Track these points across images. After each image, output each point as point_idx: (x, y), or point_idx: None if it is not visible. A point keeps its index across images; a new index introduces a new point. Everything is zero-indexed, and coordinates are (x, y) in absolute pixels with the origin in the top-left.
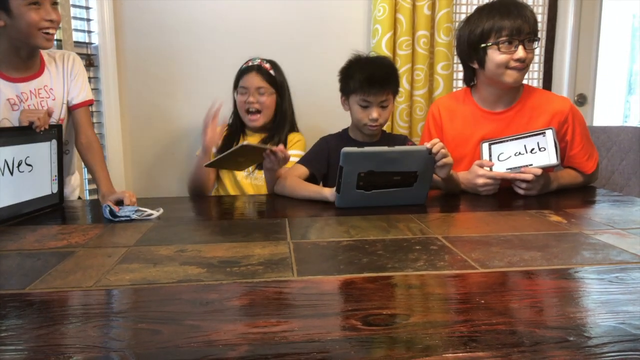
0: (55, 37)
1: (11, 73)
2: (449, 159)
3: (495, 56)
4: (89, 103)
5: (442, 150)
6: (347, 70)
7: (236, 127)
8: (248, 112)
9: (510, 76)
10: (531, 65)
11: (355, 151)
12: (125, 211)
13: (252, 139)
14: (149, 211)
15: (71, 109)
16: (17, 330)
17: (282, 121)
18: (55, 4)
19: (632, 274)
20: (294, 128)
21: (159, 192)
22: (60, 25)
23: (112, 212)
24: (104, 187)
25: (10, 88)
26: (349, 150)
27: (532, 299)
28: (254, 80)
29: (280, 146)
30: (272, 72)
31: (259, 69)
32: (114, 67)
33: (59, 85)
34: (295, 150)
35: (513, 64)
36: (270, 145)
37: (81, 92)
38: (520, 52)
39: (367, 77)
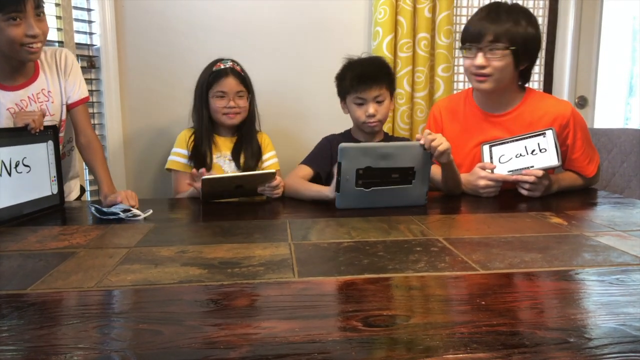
0: (42, 48)
1: (7, 82)
2: (443, 146)
3: (463, 60)
4: (85, 100)
5: (434, 143)
6: (340, 74)
7: (204, 130)
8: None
9: (474, 83)
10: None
11: (352, 146)
12: (114, 208)
13: (224, 142)
14: (136, 212)
15: (68, 108)
16: (18, 331)
17: (252, 121)
18: (40, 14)
19: (633, 275)
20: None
21: (159, 192)
22: (62, 27)
23: (98, 209)
24: (106, 187)
25: (9, 97)
26: (346, 145)
27: (533, 301)
28: (232, 84)
29: (279, 179)
30: (242, 73)
31: (233, 72)
32: (116, 69)
33: (55, 86)
34: (270, 152)
35: (474, 70)
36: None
37: (77, 89)
38: (477, 60)
39: (358, 74)
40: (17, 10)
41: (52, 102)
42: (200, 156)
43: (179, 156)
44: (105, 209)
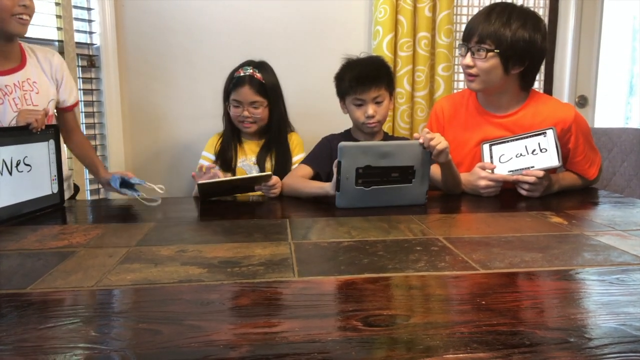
0: (29, 23)
1: None
2: (441, 145)
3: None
4: (77, 104)
5: (432, 142)
6: (339, 74)
7: (230, 134)
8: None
9: (465, 81)
10: None
11: (352, 145)
12: (135, 179)
13: (250, 147)
14: (153, 186)
15: (62, 111)
16: (17, 330)
17: (280, 124)
18: None
19: (633, 275)
20: (290, 128)
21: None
22: (62, 26)
23: (123, 180)
24: (104, 172)
25: None
26: (345, 144)
27: (533, 300)
28: (247, 94)
29: (275, 178)
30: (263, 81)
31: (251, 81)
32: (115, 68)
33: (42, 79)
34: (298, 154)
35: (463, 69)
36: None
37: (71, 95)
38: (465, 59)
39: (356, 75)
40: None
41: (37, 93)
42: (225, 160)
43: (205, 159)
44: (130, 180)
